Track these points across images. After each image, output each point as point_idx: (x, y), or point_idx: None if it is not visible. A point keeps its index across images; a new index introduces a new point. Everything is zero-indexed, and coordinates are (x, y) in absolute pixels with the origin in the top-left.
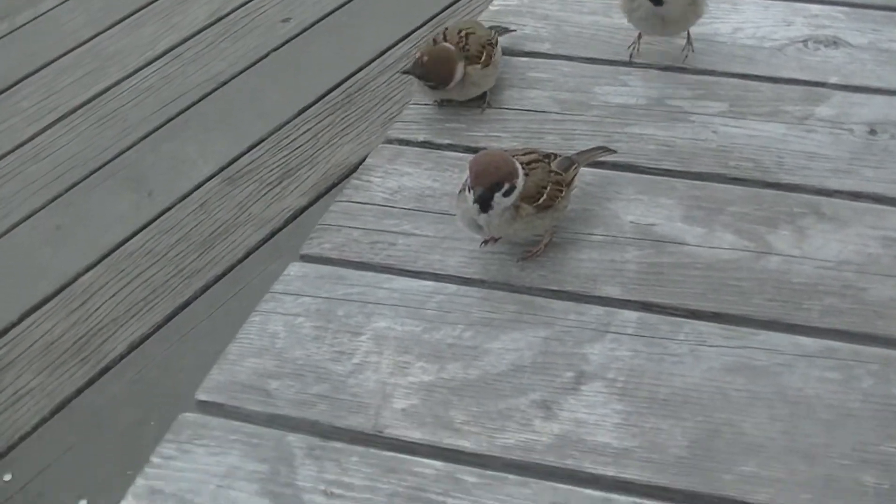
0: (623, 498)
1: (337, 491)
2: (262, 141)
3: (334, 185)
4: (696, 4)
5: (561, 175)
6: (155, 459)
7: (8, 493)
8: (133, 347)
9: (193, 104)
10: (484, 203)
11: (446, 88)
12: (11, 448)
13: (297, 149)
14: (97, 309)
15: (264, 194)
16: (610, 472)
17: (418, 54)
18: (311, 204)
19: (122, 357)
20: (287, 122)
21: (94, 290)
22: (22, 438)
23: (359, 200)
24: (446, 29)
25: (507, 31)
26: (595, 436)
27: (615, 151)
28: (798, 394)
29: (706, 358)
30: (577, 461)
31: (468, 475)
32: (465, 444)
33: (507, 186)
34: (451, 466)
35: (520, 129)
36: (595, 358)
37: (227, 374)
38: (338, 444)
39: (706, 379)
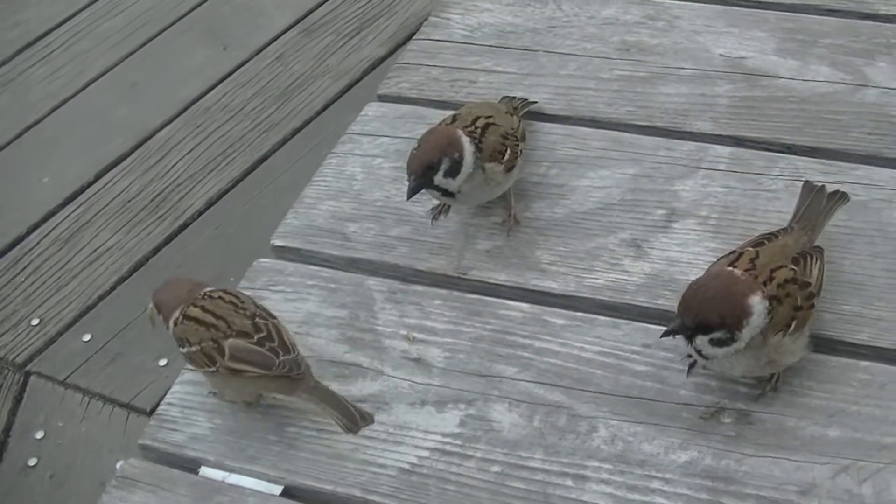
0: None
1: (419, 335)
2: None
3: (412, 35)
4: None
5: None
6: None
7: (87, 353)
8: (211, 203)
9: None
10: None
11: (458, 190)
12: (90, 308)
13: None
14: (174, 165)
15: (342, 45)
16: None
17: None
18: (389, 54)
19: (199, 213)
20: None
21: (171, 146)
22: (100, 298)
23: (438, 38)
24: (456, 115)
25: (527, 104)
26: (688, 275)
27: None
28: None
29: None
30: (670, 301)
31: (556, 317)
32: (552, 286)
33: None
34: (537, 308)
35: None
36: (687, 194)
37: (303, 219)
38: (419, 288)
39: None
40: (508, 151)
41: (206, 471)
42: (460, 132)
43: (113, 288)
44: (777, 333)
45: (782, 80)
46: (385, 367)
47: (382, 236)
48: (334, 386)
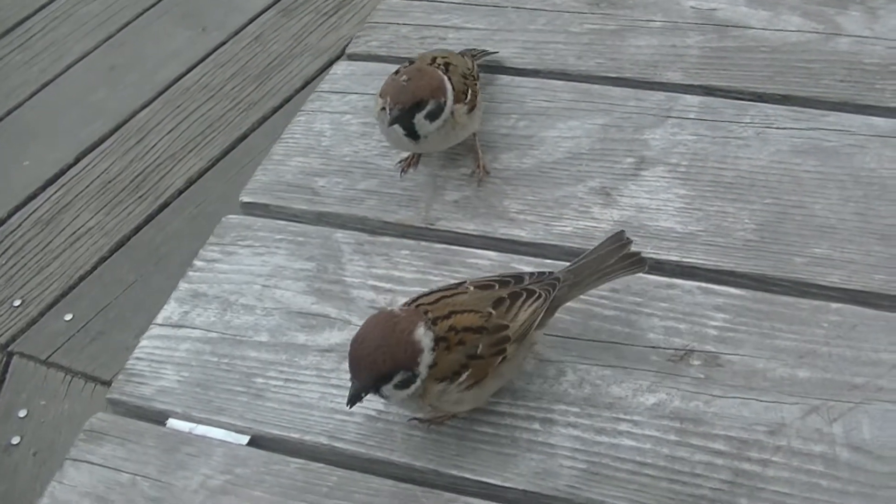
0: (688, 283)
1: (386, 286)
2: None
3: None
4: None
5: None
6: (198, 262)
7: (69, 332)
8: (191, 182)
9: None
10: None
11: (425, 135)
12: (71, 288)
13: None
14: (154, 146)
15: (320, 24)
16: (674, 256)
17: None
18: None
19: (180, 192)
20: None
21: (151, 127)
22: (82, 278)
23: None
24: (409, 63)
25: (485, 53)
26: (657, 221)
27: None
28: (871, 174)
29: (774, 140)
30: (638, 247)
31: (524, 265)
32: (521, 234)
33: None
34: (505, 256)
35: None
36: (656, 143)
37: (272, 175)
38: (387, 239)
39: (774, 161)
40: (469, 91)
41: (173, 423)
42: (444, 76)
43: (94, 268)
44: (441, 381)
45: (753, 30)
46: (352, 317)
47: (351, 190)
48: (301, 338)
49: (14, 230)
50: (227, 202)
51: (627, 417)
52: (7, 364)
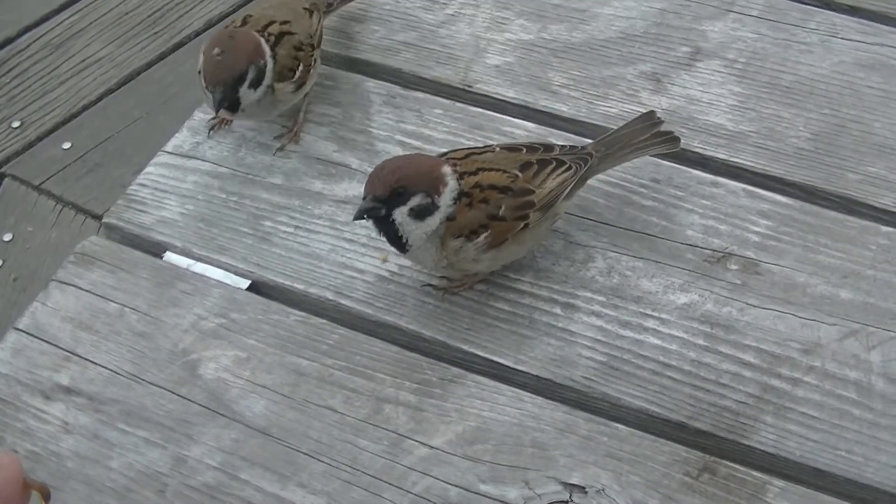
0: (733, 183)
1: (415, 143)
2: None
3: None
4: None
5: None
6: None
7: (65, 161)
8: (210, 24)
9: None
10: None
11: (244, 107)
12: (73, 116)
13: None
14: None
15: None
16: (721, 154)
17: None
18: None
19: (197, 34)
20: None
21: None
22: (85, 108)
23: None
24: (248, 16)
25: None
26: (707, 115)
27: None
28: None
29: (838, 50)
30: (685, 139)
31: (563, 140)
32: (562, 108)
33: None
34: (543, 129)
35: None
36: (714, 36)
37: None
38: (420, 95)
39: (836, 72)
40: (301, 67)
41: (170, 256)
42: (261, 38)
43: (99, 99)
44: (459, 237)
45: None
46: None
47: (387, 40)
48: (317, 185)
49: (22, 50)
50: None
51: (655, 314)
52: None
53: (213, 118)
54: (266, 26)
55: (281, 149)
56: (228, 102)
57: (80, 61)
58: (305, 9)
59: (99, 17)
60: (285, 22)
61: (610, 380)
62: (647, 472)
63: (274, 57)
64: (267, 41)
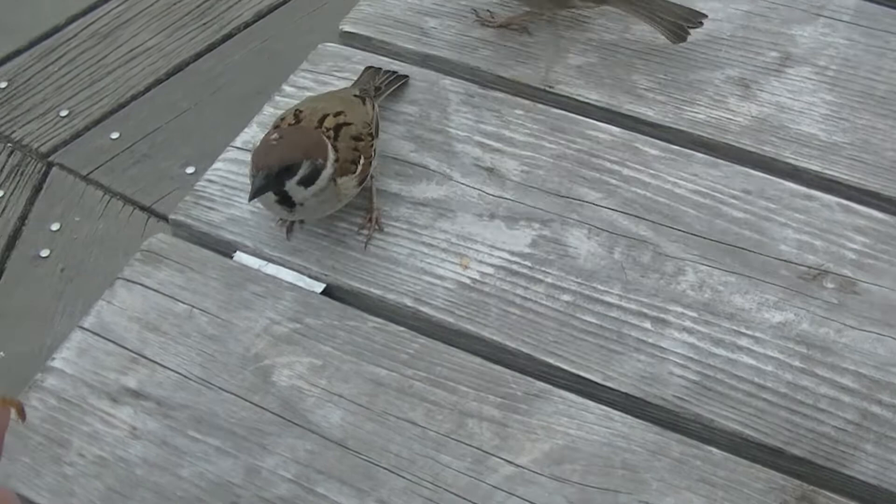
0: (827, 197)
1: (495, 144)
2: None
3: None
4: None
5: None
6: (286, 87)
7: (113, 151)
8: (260, 16)
9: None
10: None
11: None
12: (121, 106)
13: None
14: None
15: None
16: (815, 166)
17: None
18: None
19: (246, 25)
20: None
21: None
22: (134, 98)
23: None
24: (298, 111)
25: (395, 81)
26: (799, 124)
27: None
28: None
29: None
30: (776, 149)
31: (648, 146)
32: (648, 113)
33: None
34: (629, 134)
35: None
36: (804, 41)
37: (378, 7)
38: (499, 95)
39: None
40: (362, 159)
41: (241, 256)
42: (323, 136)
43: (147, 89)
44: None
45: None
46: (454, 173)
47: (464, 36)
48: (394, 186)
49: (70, 39)
50: (293, 43)
51: (749, 332)
52: (46, 174)
53: (279, 220)
54: (321, 120)
55: (368, 242)
56: (277, 195)
57: (128, 51)
58: (356, 96)
59: (147, 7)
60: (339, 113)
61: (703, 400)
62: (743, 499)
63: (336, 150)
64: (326, 136)
